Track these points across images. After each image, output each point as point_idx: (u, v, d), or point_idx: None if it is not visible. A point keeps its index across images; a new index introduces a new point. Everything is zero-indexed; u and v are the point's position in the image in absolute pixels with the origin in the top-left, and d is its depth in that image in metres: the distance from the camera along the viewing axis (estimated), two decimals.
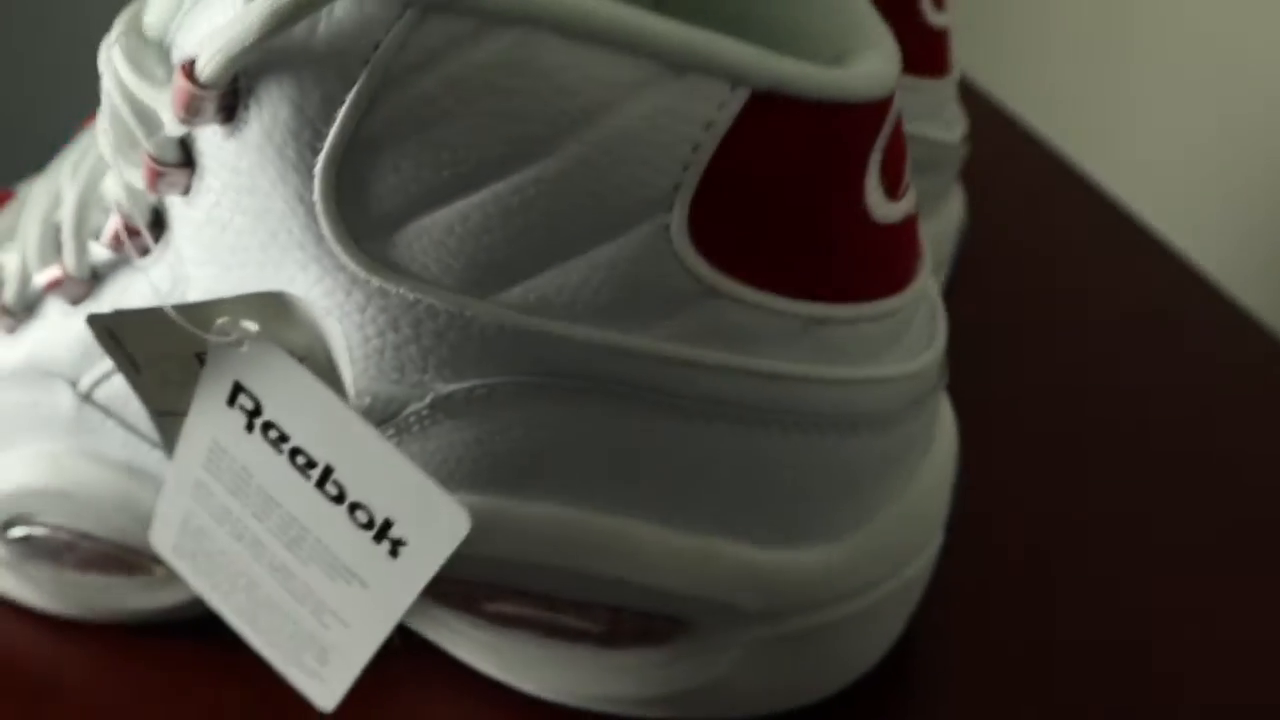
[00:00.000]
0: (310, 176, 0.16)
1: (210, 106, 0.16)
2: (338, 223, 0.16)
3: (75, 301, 0.20)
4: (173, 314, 0.17)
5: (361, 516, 0.18)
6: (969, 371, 0.30)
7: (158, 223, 0.19)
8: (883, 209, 0.18)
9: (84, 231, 0.20)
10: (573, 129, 0.15)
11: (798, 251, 0.17)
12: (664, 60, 0.15)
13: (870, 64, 0.17)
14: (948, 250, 0.29)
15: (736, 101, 0.16)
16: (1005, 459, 0.28)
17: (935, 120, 0.27)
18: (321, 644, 0.19)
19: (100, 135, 0.18)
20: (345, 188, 0.16)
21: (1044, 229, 0.37)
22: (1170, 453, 0.28)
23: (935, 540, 0.21)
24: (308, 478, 0.18)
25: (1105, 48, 0.56)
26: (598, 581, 0.19)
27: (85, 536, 0.22)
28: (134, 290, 0.20)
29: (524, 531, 0.19)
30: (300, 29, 0.15)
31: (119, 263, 0.20)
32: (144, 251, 0.19)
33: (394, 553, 0.18)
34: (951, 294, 0.30)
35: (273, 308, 0.17)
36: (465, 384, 0.18)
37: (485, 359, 0.17)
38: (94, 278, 0.20)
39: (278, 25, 0.14)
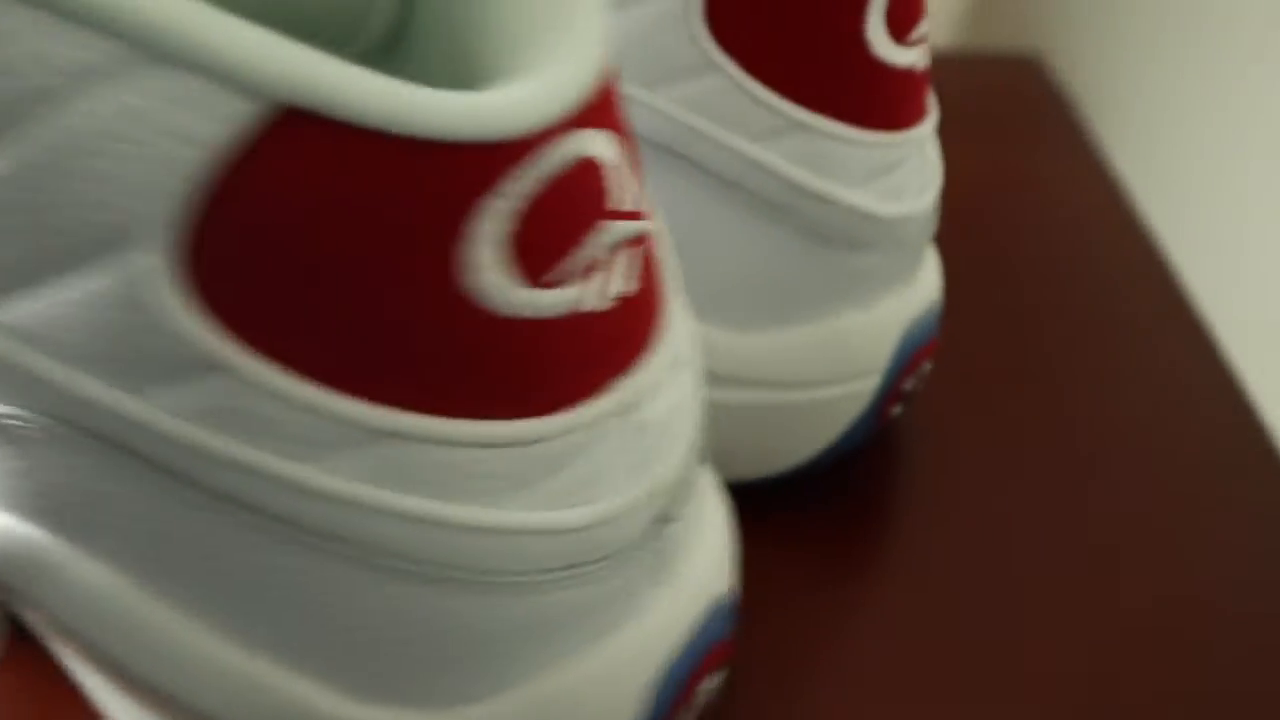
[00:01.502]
0: None
1: None
2: None
3: None
4: None
5: None
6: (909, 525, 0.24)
7: None
8: (508, 294, 0.13)
9: None
10: (14, 120, 0.11)
11: (354, 335, 0.12)
12: (142, 46, 0.11)
13: (522, 88, 0.12)
14: (885, 352, 0.23)
15: (253, 117, 0.11)
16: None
17: (872, 186, 0.21)
18: None
19: None
20: None
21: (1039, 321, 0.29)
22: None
23: None
24: None
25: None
26: (143, 683, 0.15)
27: None
28: None
29: (75, 589, 0.15)
30: None
31: None
32: None
33: None
34: (880, 403, 0.23)
35: None
36: None
37: None
38: None
39: None
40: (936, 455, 0.26)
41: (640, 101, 0.20)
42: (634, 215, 0.14)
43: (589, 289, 0.13)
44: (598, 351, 0.14)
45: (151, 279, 0.12)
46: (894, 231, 0.21)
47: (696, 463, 0.16)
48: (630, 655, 0.16)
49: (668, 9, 0.19)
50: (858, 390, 0.23)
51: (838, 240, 0.21)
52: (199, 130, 0.11)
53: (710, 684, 0.17)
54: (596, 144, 0.13)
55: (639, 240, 0.14)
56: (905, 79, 0.21)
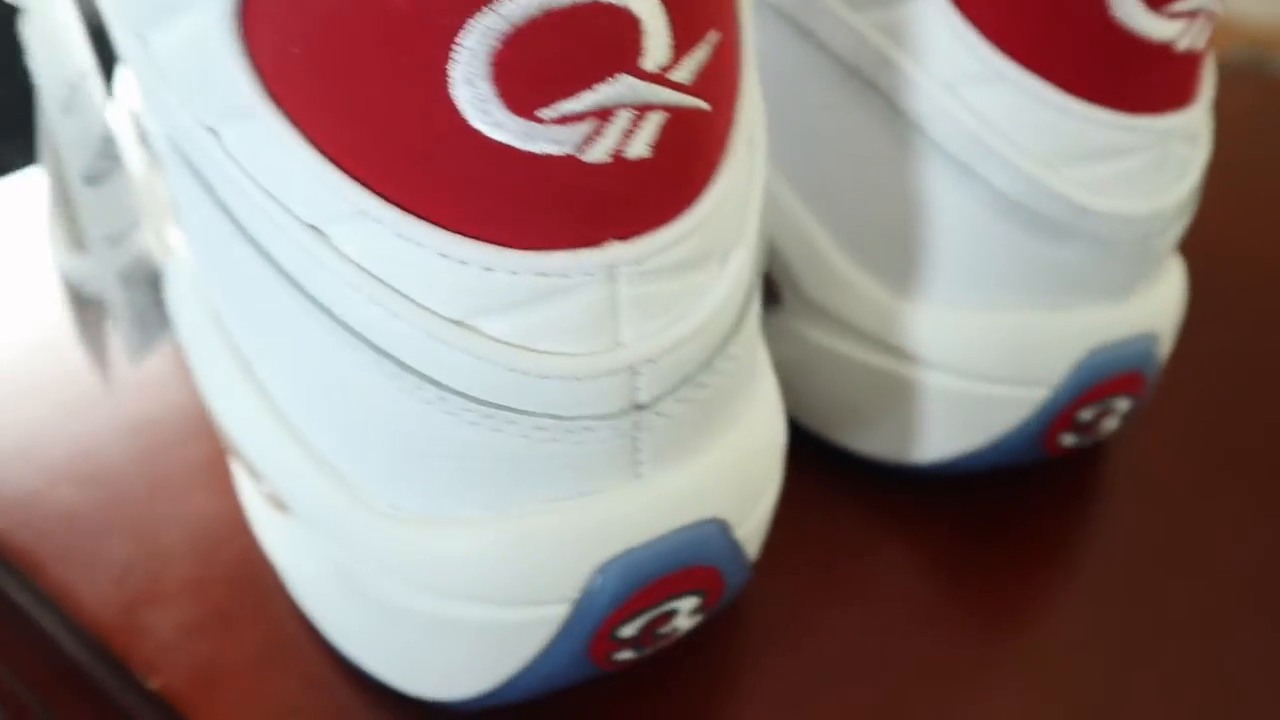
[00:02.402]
0: None
1: None
2: None
3: None
4: None
5: None
6: None
7: None
8: (493, 115, 0.13)
9: None
10: None
11: (355, 115, 0.13)
12: None
13: None
14: (1062, 366, 0.20)
15: None
16: None
17: (1080, 167, 0.18)
18: None
19: None
20: None
21: None
22: None
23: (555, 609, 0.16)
24: None
25: None
26: (210, 411, 0.18)
27: None
28: None
29: (182, 302, 0.19)
30: None
31: None
32: None
33: None
34: (1046, 424, 0.20)
35: None
36: None
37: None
38: None
39: None
40: (1135, 516, 0.23)
41: (840, 19, 0.19)
42: (669, 83, 0.14)
43: (590, 139, 0.13)
44: (588, 205, 0.14)
45: (216, 27, 0.14)
46: (1098, 229, 0.19)
47: (703, 370, 0.15)
48: (586, 529, 0.16)
49: None
50: (1019, 397, 0.20)
51: (1025, 220, 0.19)
52: None
53: (680, 605, 0.17)
54: None
55: (669, 110, 0.14)
56: (1156, 55, 0.17)
